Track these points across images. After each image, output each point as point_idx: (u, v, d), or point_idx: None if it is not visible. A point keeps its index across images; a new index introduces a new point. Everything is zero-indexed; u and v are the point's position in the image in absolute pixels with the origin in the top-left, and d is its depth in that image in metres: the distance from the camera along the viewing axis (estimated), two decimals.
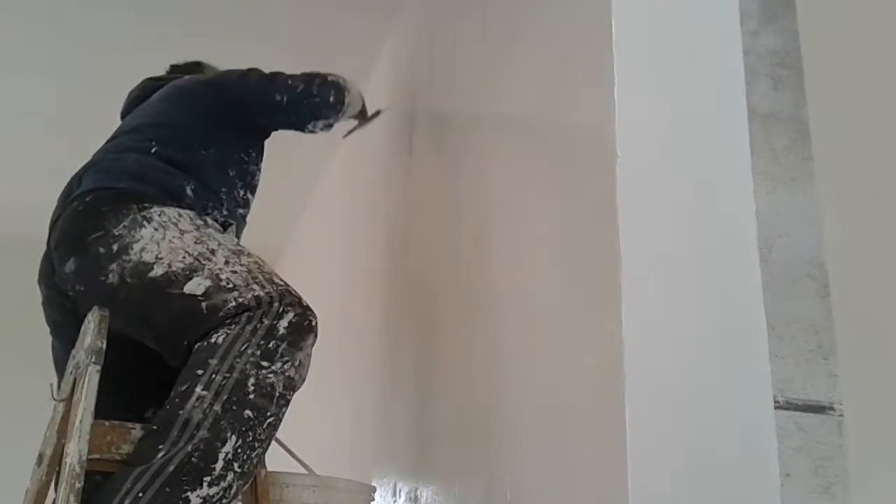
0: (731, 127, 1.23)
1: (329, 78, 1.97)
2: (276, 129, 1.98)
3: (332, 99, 1.96)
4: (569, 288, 1.32)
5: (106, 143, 1.79)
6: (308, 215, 3.95)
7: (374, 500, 1.67)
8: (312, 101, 1.94)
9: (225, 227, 1.69)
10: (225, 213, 1.74)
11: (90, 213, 1.56)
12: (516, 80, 1.67)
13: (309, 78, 1.95)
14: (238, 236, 1.82)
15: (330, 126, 2.02)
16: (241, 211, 1.84)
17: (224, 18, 2.81)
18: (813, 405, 1.15)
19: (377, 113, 2.24)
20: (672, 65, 1.25)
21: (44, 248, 1.66)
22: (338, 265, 3.14)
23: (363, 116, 2.18)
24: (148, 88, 1.96)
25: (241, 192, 1.84)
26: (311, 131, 2.00)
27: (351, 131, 2.26)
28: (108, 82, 3.07)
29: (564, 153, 1.41)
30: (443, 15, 2.26)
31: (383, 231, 2.54)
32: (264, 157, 1.97)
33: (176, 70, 2.10)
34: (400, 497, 1.97)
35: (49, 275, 1.62)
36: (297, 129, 1.98)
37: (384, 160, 2.66)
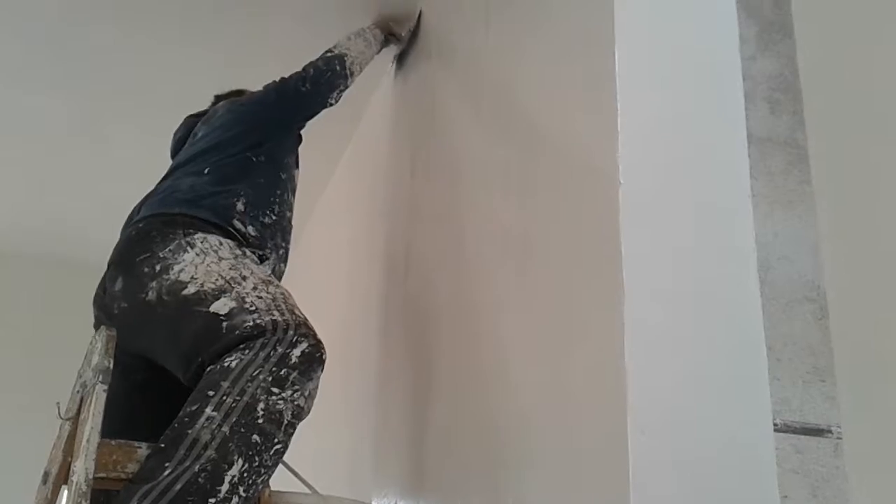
0: (730, 151, 1.25)
1: (328, 54, 2.18)
2: (308, 118, 2.12)
3: (338, 68, 2.15)
4: (570, 310, 1.33)
5: (161, 181, 1.89)
6: (307, 234, 3.97)
7: None
8: (326, 77, 2.12)
9: (262, 259, 1.77)
10: (274, 217, 1.85)
11: (141, 237, 1.67)
12: (519, 103, 1.69)
13: (314, 62, 2.15)
14: (289, 242, 1.96)
15: (342, 93, 2.20)
16: (288, 214, 1.96)
17: (224, 29, 2.82)
18: (811, 428, 1.16)
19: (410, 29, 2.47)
20: (673, 90, 1.27)
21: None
22: (337, 285, 3.15)
23: (398, 37, 2.46)
24: (192, 125, 2.09)
25: (289, 195, 1.97)
26: (331, 104, 2.17)
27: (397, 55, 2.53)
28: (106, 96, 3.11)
29: (567, 178, 1.43)
30: (443, 27, 2.29)
31: (383, 252, 2.56)
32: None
33: (219, 100, 2.20)
34: None
35: (101, 296, 1.71)
36: (322, 107, 2.14)
37: (384, 177, 2.68)
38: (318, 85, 2.10)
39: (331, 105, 2.16)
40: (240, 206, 1.77)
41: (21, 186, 3.84)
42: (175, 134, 2.16)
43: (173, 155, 2.10)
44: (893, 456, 1.35)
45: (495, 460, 1.52)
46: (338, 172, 3.52)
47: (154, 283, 1.55)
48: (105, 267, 1.75)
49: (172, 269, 1.56)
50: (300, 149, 2.16)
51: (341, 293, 3.05)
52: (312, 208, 3.79)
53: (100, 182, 3.67)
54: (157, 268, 1.57)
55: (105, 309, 1.68)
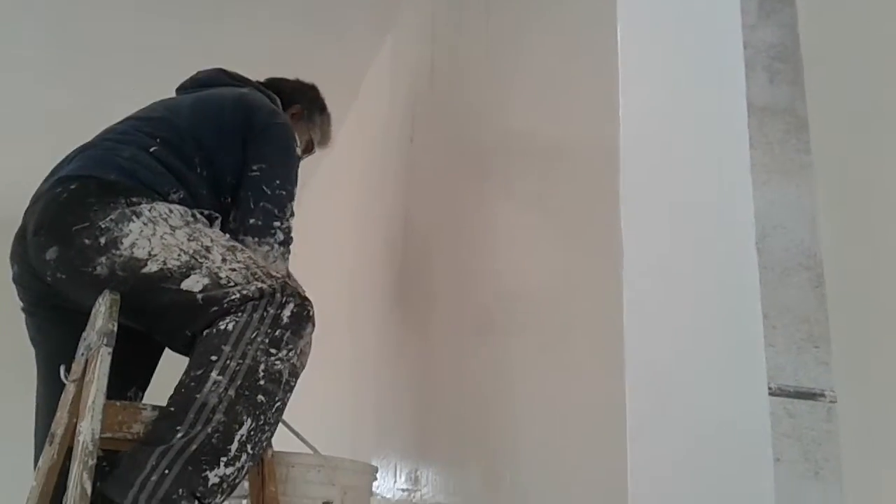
0: (730, 120, 1.26)
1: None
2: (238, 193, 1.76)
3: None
4: (570, 277, 1.35)
5: (119, 122, 1.77)
6: (305, 203, 3.97)
7: (376, 479, 1.71)
8: (277, 248, 1.73)
9: (211, 220, 1.67)
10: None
11: (75, 202, 1.54)
12: (518, 75, 1.69)
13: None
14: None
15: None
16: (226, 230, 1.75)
17: (223, 15, 2.82)
18: (804, 392, 1.17)
19: None
20: (675, 59, 1.27)
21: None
22: (338, 256, 3.16)
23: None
24: (197, 81, 1.97)
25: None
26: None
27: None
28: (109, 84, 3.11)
29: (567, 139, 1.44)
30: (445, 10, 2.28)
31: (383, 221, 2.57)
32: None
33: (225, 74, 2.00)
34: (400, 477, 2.01)
35: (23, 255, 1.60)
36: (248, 233, 1.71)
37: (384, 157, 2.68)
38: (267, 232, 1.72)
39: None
40: (174, 199, 1.61)
41: (24, 172, 3.85)
42: (192, 78, 1.99)
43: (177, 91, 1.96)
44: (886, 419, 1.37)
45: (496, 425, 1.55)
46: (339, 139, 3.52)
47: (103, 259, 1.47)
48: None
49: (121, 242, 1.48)
50: None
51: (345, 259, 3.07)
52: (315, 172, 3.79)
53: None
54: (102, 241, 1.48)
55: (33, 273, 1.59)
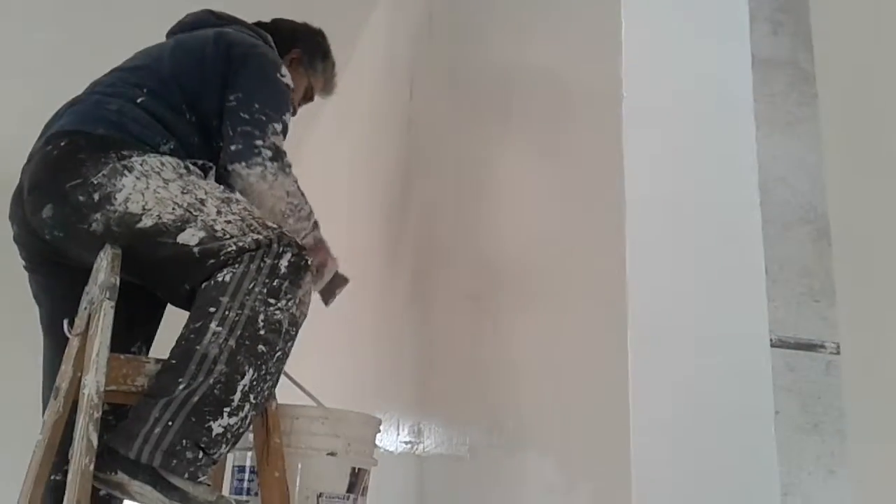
0: (734, 71, 1.25)
1: (305, 234, 1.74)
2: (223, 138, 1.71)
3: (302, 210, 1.74)
4: (572, 228, 1.35)
5: (106, 75, 1.75)
6: (305, 158, 3.95)
7: (380, 431, 1.73)
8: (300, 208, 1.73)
9: (206, 171, 1.64)
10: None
11: (66, 159, 1.53)
12: (519, 26, 1.67)
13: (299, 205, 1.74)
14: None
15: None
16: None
17: None
18: (804, 343, 1.18)
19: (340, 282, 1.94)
20: (678, 11, 1.26)
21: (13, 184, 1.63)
22: (337, 208, 3.16)
23: (329, 290, 1.92)
24: (185, 25, 1.92)
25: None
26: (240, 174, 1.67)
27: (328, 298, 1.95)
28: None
29: (569, 91, 1.42)
30: None
31: (386, 176, 2.56)
32: None
33: (213, 16, 1.94)
34: (403, 431, 2.03)
35: (20, 215, 1.60)
36: (234, 160, 1.66)
37: (383, 111, 2.66)
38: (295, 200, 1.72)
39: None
40: (165, 150, 1.60)
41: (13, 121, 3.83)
42: (174, 29, 1.94)
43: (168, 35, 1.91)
44: (889, 372, 1.38)
45: (498, 378, 1.56)
46: (337, 96, 3.48)
47: (98, 215, 1.47)
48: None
49: (115, 198, 1.47)
50: None
51: (343, 216, 3.07)
52: (313, 128, 3.76)
53: None
54: (96, 196, 1.47)
55: (31, 231, 1.58)
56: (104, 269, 1.41)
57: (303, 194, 1.76)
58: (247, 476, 1.60)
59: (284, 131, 1.73)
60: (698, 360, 1.14)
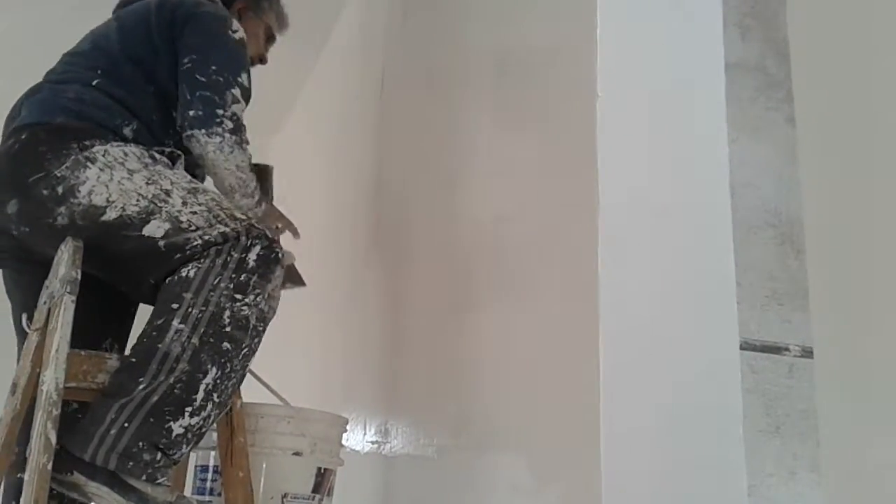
0: (707, 75, 1.25)
1: (260, 206, 1.72)
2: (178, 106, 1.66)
3: (248, 187, 1.69)
4: (546, 229, 1.35)
5: (59, 63, 1.71)
6: (275, 149, 3.93)
7: (347, 431, 1.72)
8: (234, 165, 1.64)
9: (173, 160, 1.60)
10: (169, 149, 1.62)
11: (27, 152, 1.51)
12: (494, 27, 1.67)
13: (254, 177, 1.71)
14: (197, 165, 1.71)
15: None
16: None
17: None
18: (770, 346, 1.19)
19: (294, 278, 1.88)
20: (654, 12, 1.26)
21: None
22: (307, 204, 3.14)
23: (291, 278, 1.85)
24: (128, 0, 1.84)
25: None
26: (197, 141, 1.62)
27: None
28: None
29: (545, 93, 1.42)
30: None
31: (356, 170, 2.54)
32: None
33: None
34: (370, 430, 2.02)
35: None
36: (194, 126, 1.62)
37: (354, 97, 2.65)
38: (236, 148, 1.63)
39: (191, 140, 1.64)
40: (128, 133, 1.57)
41: None
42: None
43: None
44: (861, 375, 1.39)
45: (466, 378, 1.55)
46: (308, 87, 3.47)
47: (62, 209, 1.44)
48: None
49: (79, 190, 1.44)
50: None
51: (312, 210, 3.05)
52: (279, 126, 3.74)
53: None
54: (59, 189, 1.45)
55: (2, 229, 1.54)
56: (65, 263, 1.38)
57: (251, 170, 1.71)
58: (210, 476, 1.58)
59: (244, 94, 1.69)
60: (669, 362, 1.14)
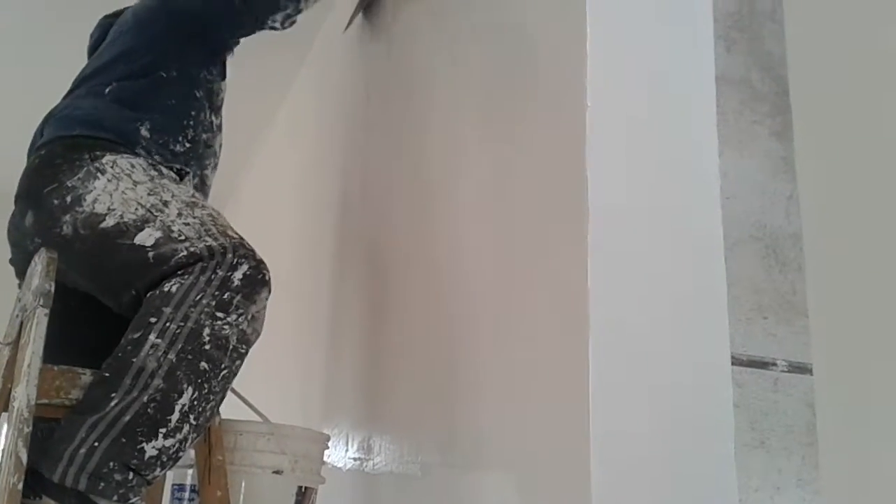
0: (697, 88, 1.25)
1: None
2: (237, 36, 1.88)
3: None
4: (534, 240, 1.33)
5: (66, 95, 1.76)
6: (256, 163, 3.91)
7: (328, 448, 1.69)
8: None
9: (181, 175, 1.66)
10: (187, 144, 1.71)
11: (46, 165, 1.56)
12: (483, 37, 1.66)
13: None
14: (207, 169, 1.80)
15: (292, 18, 1.93)
16: (205, 136, 1.77)
17: None
18: (756, 361, 1.19)
19: None
20: (644, 24, 1.26)
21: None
22: (288, 216, 3.12)
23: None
24: (106, 27, 1.92)
25: (207, 115, 1.79)
26: (273, 27, 1.91)
27: (350, 22, 2.16)
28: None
29: (533, 104, 1.41)
30: None
31: (337, 182, 2.53)
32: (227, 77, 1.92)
33: None
34: (352, 446, 2.00)
35: (13, 232, 1.62)
36: (257, 27, 1.88)
37: (338, 108, 2.64)
38: (255, 3, 1.84)
39: (273, 28, 1.92)
40: (144, 133, 1.63)
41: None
42: (91, 36, 1.97)
43: (89, 57, 1.90)
44: (860, 390, 1.39)
45: (453, 393, 1.53)
46: (289, 98, 3.46)
47: (68, 217, 1.47)
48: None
49: (85, 199, 1.47)
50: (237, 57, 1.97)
51: (293, 221, 3.03)
52: (261, 134, 3.72)
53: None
54: (68, 199, 1.48)
55: (19, 245, 1.59)
56: (38, 275, 1.35)
57: None
58: (187, 495, 1.55)
59: None
60: (659, 377, 1.13)
